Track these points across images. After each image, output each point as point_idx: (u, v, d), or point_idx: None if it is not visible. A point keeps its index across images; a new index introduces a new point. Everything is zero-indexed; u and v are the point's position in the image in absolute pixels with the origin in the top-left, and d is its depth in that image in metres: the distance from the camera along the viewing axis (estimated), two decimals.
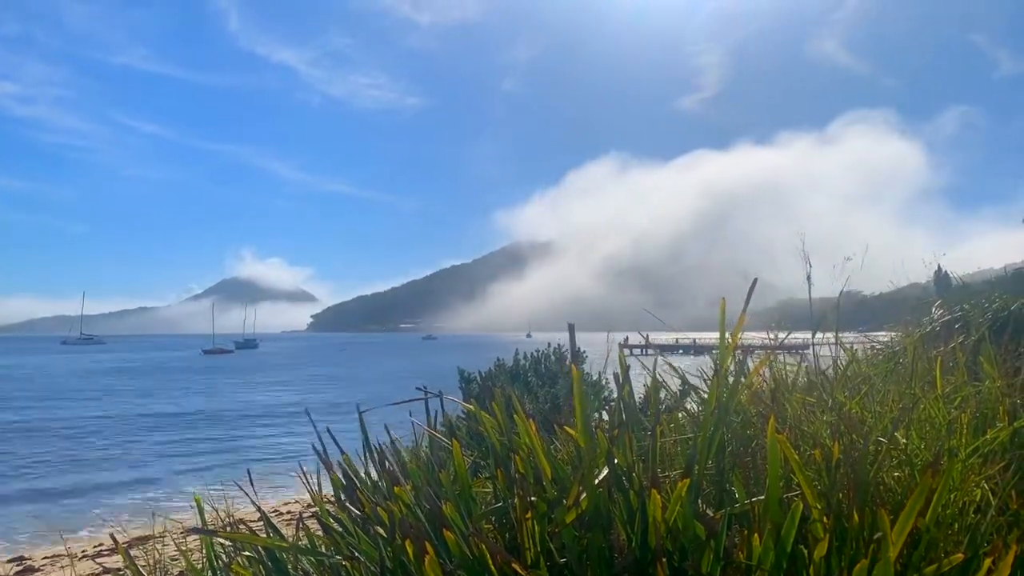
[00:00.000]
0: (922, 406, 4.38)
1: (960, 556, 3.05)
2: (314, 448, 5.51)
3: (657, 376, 4.92)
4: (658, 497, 3.46)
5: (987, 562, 3.04)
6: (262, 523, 5.34)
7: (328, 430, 5.80)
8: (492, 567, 3.56)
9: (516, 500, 3.87)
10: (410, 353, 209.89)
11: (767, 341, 6.23)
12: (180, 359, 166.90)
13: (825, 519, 3.31)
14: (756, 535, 3.26)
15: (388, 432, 5.77)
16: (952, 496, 3.55)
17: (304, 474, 5.82)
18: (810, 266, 5.91)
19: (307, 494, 5.60)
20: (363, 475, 5.27)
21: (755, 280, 4.42)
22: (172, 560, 8.31)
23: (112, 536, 5.03)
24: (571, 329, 4.64)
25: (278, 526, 5.15)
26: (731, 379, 4.18)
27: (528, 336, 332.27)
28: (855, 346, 6.51)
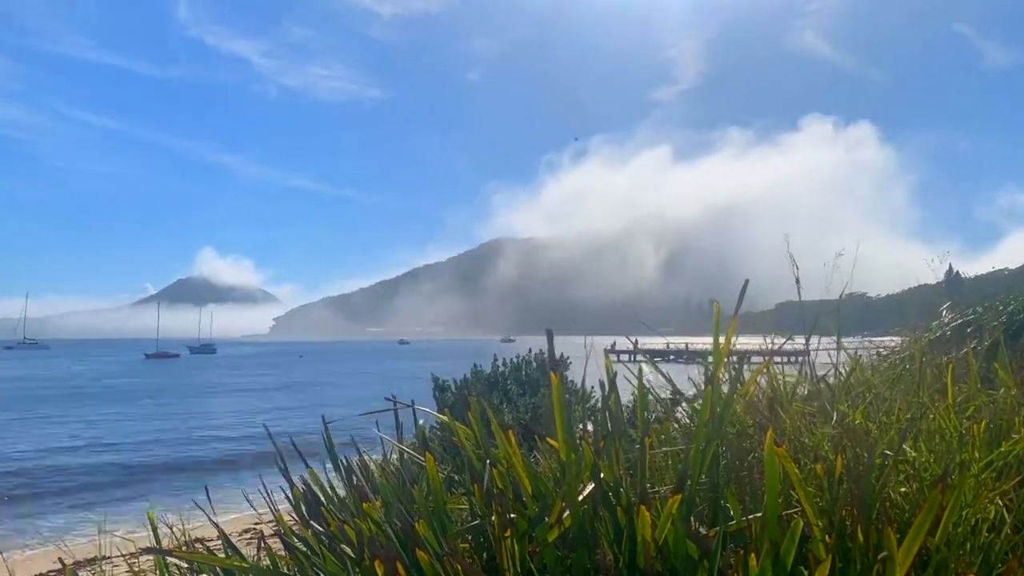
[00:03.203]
0: (931, 416, 4.37)
1: None
2: (276, 462, 5.47)
3: (646, 384, 4.91)
4: (647, 514, 3.45)
5: None
6: (220, 542, 5.30)
7: (292, 442, 5.77)
8: None
9: (494, 517, 3.85)
10: (380, 359, 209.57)
11: (764, 347, 6.22)
12: (118, 365, 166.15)
13: (827, 538, 3.30)
14: (753, 555, 3.25)
15: (355, 444, 5.75)
16: (964, 513, 3.54)
17: (266, 489, 5.79)
18: (797, 267, 5.88)
19: (269, 511, 5.57)
20: (329, 490, 5.25)
21: (746, 281, 4.42)
22: None
23: (60, 560, 4.99)
24: (549, 334, 4.61)
25: (238, 545, 5.11)
26: (725, 387, 4.17)
27: (506, 341, 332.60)
28: (859, 352, 6.51)
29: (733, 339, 4.36)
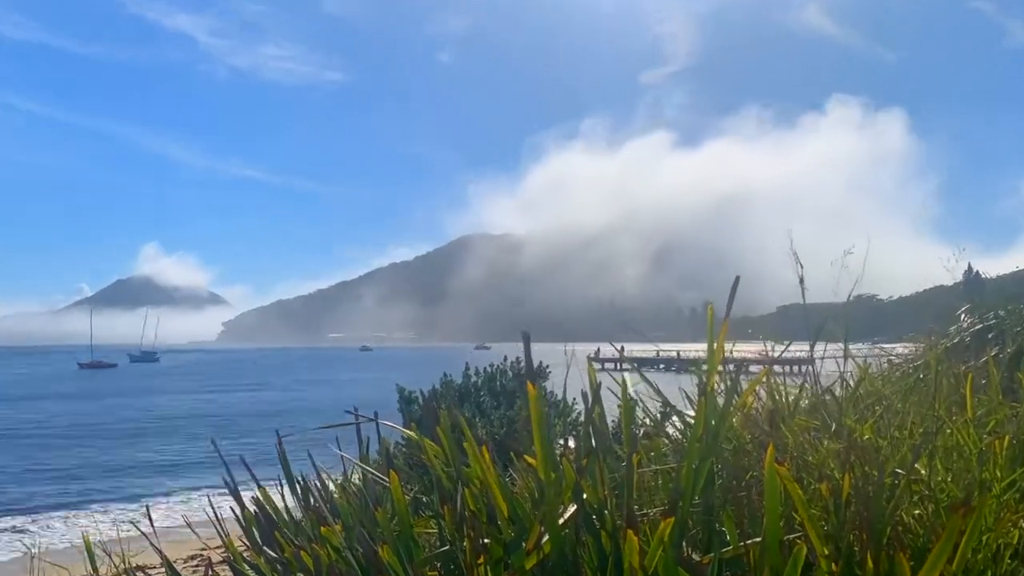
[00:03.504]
0: (948, 431, 4.38)
1: None
2: (224, 480, 5.45)
3: (633, 395, 4.90)
4: (635, 539, 3.44)
5: None
6: (164, 571, 5.28)
7: (242, 459, 5.74)
8: None
9: (466, 542, 3.84)
10: (341, 367, 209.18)
11: (764, 354, 6.21)
12: (47, 376, 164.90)
13: (833, 566, 3.30)
14: None
15: (313, 461, 5.73)
16: (984, 538, 3.54)
17: (215, 511, 5.76)
18: (801, 267, 5.85)
19: (217, 535, 5.54)
20: (283, 512, 5.23)
21: (737, 278, 4.40)
22: None
23: None
24: (526, 339, 4.60)
25: (184, 574, 5.09)
26: (721, 399, 4.16)
27: (480, 348, 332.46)
28: (868, 360, 6.51)
29: (729, 345, 4.36)
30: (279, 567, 4.47)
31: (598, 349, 70.19)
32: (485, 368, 16.79)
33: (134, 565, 6.64)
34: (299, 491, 5.24)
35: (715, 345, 4.24)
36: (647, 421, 5.48)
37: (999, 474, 3.99)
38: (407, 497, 4.41)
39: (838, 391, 5.55)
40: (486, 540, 3.84)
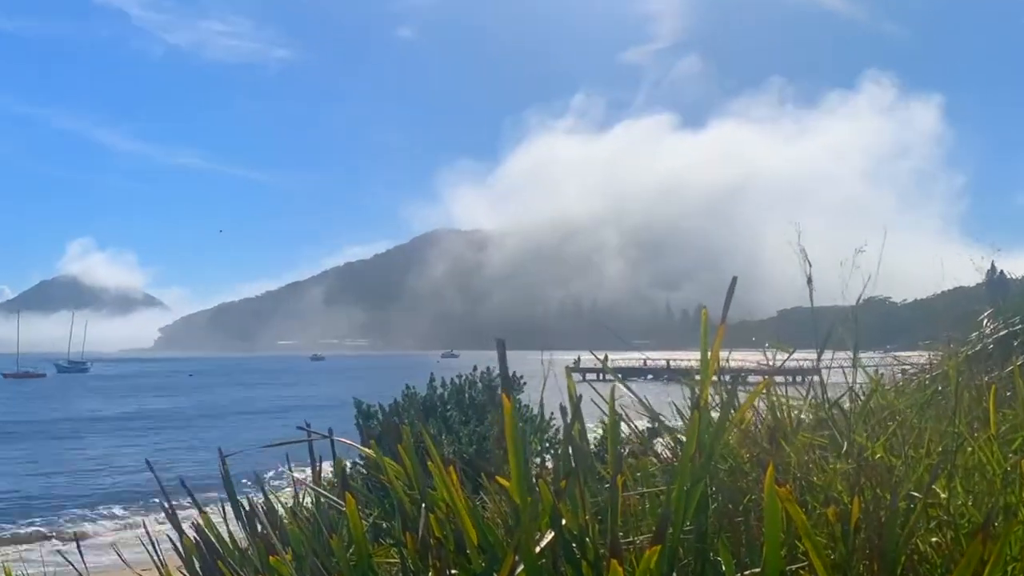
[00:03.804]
0: (969, 450, 4.38)
1: None
2: (162, 505, 5.42)
3: (618, 410, 4.90)
4: (620, 570, 3.44)
5: None
6: None
7: (181, 481, 5.72)
8: None
9: (431, 573, 3.83)
10: (291, 378, 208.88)
11: (764, 363, 6.21)
12: None
13: None
14: None
15: (261, 483, 5.71)
16: (1009, 568, 3.55)
17: (151, 538, 5.74)
18: (809, 265, 5.82)
19: (153, 564, 5.51)
20: (228, 539, 5.21)
21: (734, 279, 4.40)
22: None
23: None
24: (501, 346, 4.58)
25: None
26: (716, 413, 4.16)
27: (448, 356, 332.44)
28: (880, 370, 6.51)
29: (725, 353, 4.36)
30: None
31: (578, 358, 70.01)
32: (452, 379, 16.79)
33: None
34: (244, 516, 5.22)
35: (709, 353, 4.24)
36: (633, 438, 5.48)
37: None
38: (365, 523, 4.40)
39: (847, 405, 5.55)
40: (453, 571, 3.84)
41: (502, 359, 4.50)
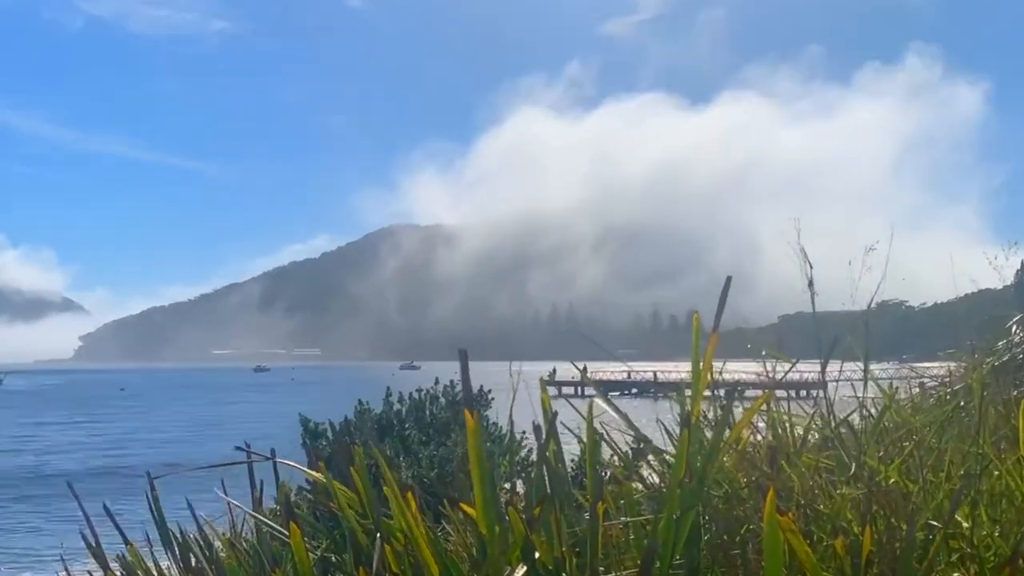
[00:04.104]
0: (996, 474, 4.37)
1: None
2: (84, 537, 5.38)
3: (598, 428, 4.88)
4: None
5: None
6: None
7: (105, 507, 5.67)
8: None
9: None
10: (230, 392, 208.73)
11: (763, 376, 6.18)
12: None
13: None
14: None
15: (193, 511, 5.67)
16: None
17: (68, 573, 5.71)
18: (811, 267, 5.78)
19: None
20: (156, 574, 5.18)
21: (729, 278, 4.39)
22: None
23: None
24: (463, 357, 4.55)
25: None
26: (709, 432, 4.14)
27: (407, 368, 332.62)
28: (894, 383, 6.50)
29: (719, 364, 4.34)
30: None
31: (553, 370, 70.32)
32: (411, 393, 16.73)
33: None
34: (177, 548, 5.19)
35: (701, 364, 4.22)
36: (615, 460, 5.45)
37: None
38: (312, 556, 4.37)
39: (857, 422, 5.54)
40: None
41: (464, 371, 4.47)
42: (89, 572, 5.33)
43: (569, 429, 4.86)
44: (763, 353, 6.27)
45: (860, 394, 5.75)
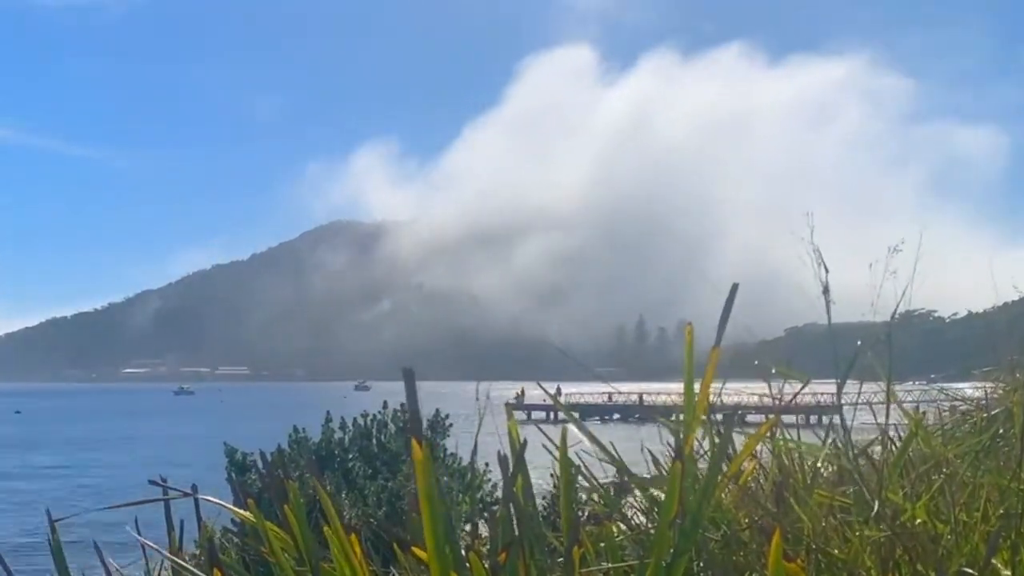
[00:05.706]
0: None
1: None
2: None
3: (574, 460, 4.86)
4: None
5: None
6: None
7: None
8: None
9: None
10: (145, 416, 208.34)
11: (767, 398, 6.16)
12: None
13: None
14: None
15: (100, 554, 5.64)
16: None
17: None
18: (827, 271, 5.72)
19: None
20: None
21: (735, 286, 4.37)
22: None
23: None
24: (409, 376, 4.51)
25: None
26: (705, 464, 4.13)
27: (361, 388, 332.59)
28: (921, 406, 6.49)
29: (717, 385, 4.33)
30: None
31: (521, 391, 70.07)
32: (356, 418, 16.63)
33: None
34: None
35: (697, 385, 4.20)
36: (594, 497, 5.44)
37: None
38: None
39: (878, 453, 5.52)
40: None
41: (411, 393, 4.42)
42: None
43: (544, 458, 4.84)
44: (769, 371, 6.22)
45: (881, 420, 5.73)
